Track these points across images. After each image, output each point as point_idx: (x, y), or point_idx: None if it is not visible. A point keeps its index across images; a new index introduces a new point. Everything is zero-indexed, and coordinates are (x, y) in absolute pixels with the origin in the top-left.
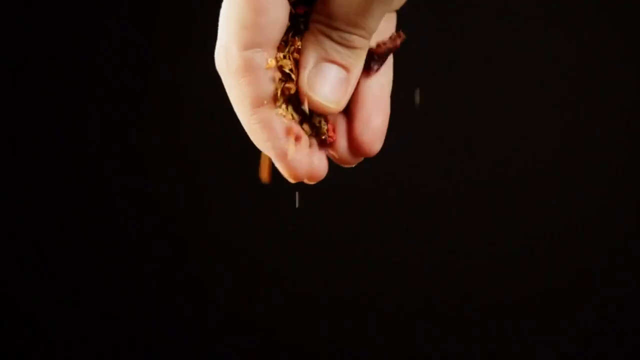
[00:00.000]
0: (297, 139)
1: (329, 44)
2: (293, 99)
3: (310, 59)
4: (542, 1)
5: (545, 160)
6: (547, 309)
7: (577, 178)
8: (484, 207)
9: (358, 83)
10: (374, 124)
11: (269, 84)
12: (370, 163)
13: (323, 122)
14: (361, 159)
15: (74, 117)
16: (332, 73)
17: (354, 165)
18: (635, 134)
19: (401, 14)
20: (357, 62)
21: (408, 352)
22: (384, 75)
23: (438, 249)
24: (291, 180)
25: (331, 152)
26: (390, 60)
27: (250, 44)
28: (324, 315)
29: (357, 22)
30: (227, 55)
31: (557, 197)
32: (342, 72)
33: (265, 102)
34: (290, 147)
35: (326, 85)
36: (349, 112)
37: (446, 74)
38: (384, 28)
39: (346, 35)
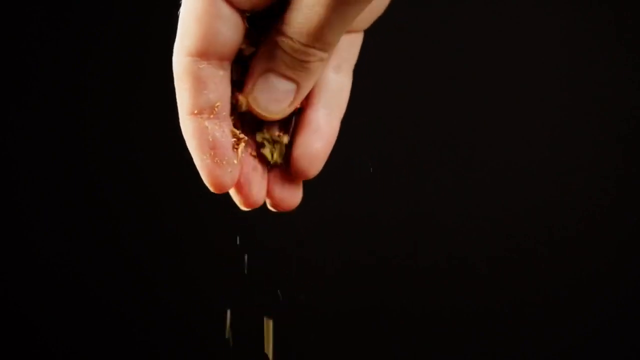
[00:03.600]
0: (217, 154)
1: (281, 55)
2: (248, 117)
3: (258, 68)
4: (542, 1)
5: (546, 161)
6: (548, 309)
7: (578, 178)
8: (484, 207)
9: (303, 108)
10: (312, 149)
11: (208, 94)
12: (372, 164)
13: (279, 143)
14: (294, 204)
15: (72, 116)
16: (278, 85)
17: (288, 210)
18: (636, 134)
19: (402, 13)
20: (309, 78)
21: (407, 352)
22: (332, 102)
23: (438, 249)
24: (213, 191)
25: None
26: (347, 83)
27: (190, 52)
28: (322, 316)
29: (314, 34)
30: (173, 59)
31: (557, 197)
32: (291, 85)
33: (196, 111)
34: (209, 161)
35: (269, 95)
36: (291, 134)
37: (446, 74)
38: (348, 52)
39: (301, 48)
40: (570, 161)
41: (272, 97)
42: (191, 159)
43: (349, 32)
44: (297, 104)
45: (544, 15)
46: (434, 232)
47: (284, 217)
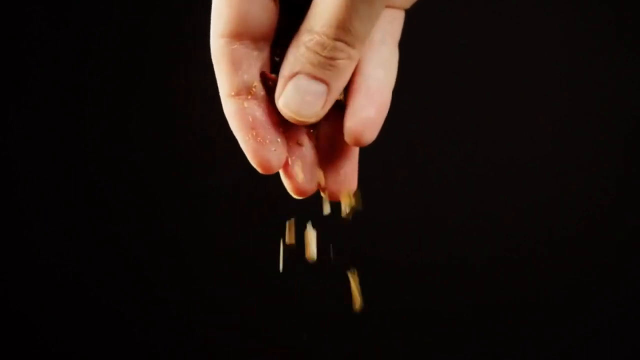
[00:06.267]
0: (259, 134)
1: (308, 55)
2: None
3: (287, 70)
4: (542, 1)
5: (546, 161)
6: (548, 309)
7: (578, 178)
8: (485, 207)
9: (353, 75)
10: (365, 114)
11: (243, 75)
12: (371, 163)
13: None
14: (343, 193)
15: (72, 116)
16: (309, 87)
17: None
18: (636, 134)
19: (405, 12)
20: (338, 77)
21: (408, 352)
22: (382, 69)
23: (438, 249)
24: (261, 172)
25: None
26: (394, 53)
27: (223, 34)
28: (322, 316)
29: (342, 25)
30: (210, 42)
31: (558, 196)
32: (321, 86)
33: (234, 92)
34: (252, 142)
35: (301, 99)
36: (344, 104)
37: (447, 73)
38: (391, 26)
39: (329, 42)
40: (570, 161)
41: (304, 100)
42: (191, 158)
43: (389, 6)
44: (329, 107)
45: (544, 15)
46: (434, 231)
47: (282, 216)
